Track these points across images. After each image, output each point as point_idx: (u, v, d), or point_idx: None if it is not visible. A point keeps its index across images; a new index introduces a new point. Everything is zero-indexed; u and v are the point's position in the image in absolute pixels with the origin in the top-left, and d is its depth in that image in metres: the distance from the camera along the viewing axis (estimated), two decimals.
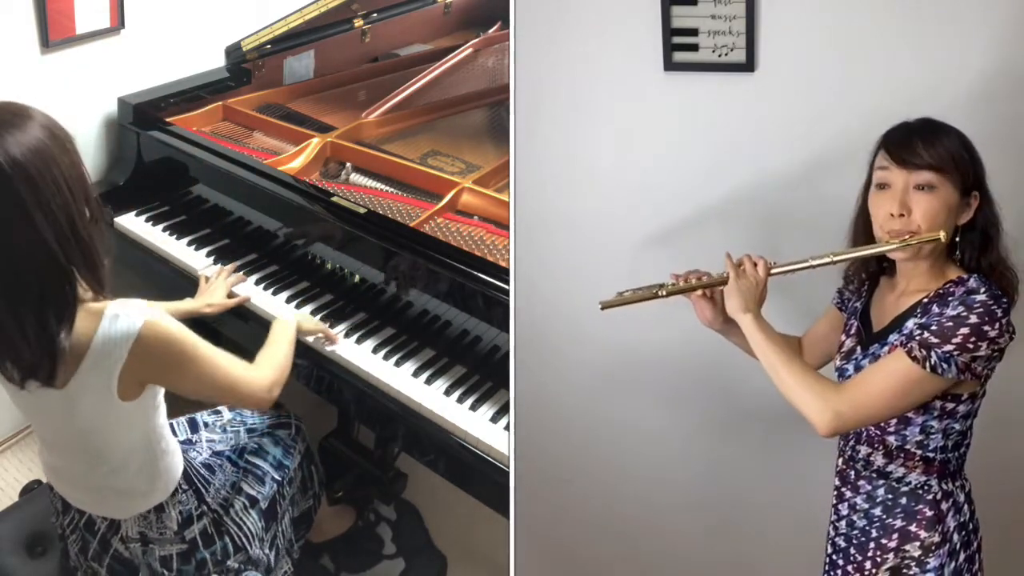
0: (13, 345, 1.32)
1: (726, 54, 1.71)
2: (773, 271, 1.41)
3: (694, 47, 1.72)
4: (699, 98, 1.75)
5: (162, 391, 1.51)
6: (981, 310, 1.25)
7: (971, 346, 1.24)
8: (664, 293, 1.45)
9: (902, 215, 1.30)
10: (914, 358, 1.26)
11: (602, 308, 1.47)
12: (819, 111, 1.69)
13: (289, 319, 1.77)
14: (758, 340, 1.37)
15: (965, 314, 1.25)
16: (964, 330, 1.24)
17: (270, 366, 1.60)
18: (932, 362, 1.25)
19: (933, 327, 1.26)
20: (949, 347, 1.25)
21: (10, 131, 1.27)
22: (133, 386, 1.41)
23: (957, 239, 1.33)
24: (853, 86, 1.66)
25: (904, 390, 1.28)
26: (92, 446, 1.48)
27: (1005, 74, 1.61)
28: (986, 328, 1.24)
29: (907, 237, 1.30)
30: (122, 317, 1.36)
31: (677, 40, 1.72)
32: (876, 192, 1.34)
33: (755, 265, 1.42)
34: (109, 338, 1.35)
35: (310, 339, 1.82)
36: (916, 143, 1.30)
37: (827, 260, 1.37)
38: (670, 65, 1.74)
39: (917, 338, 1.27)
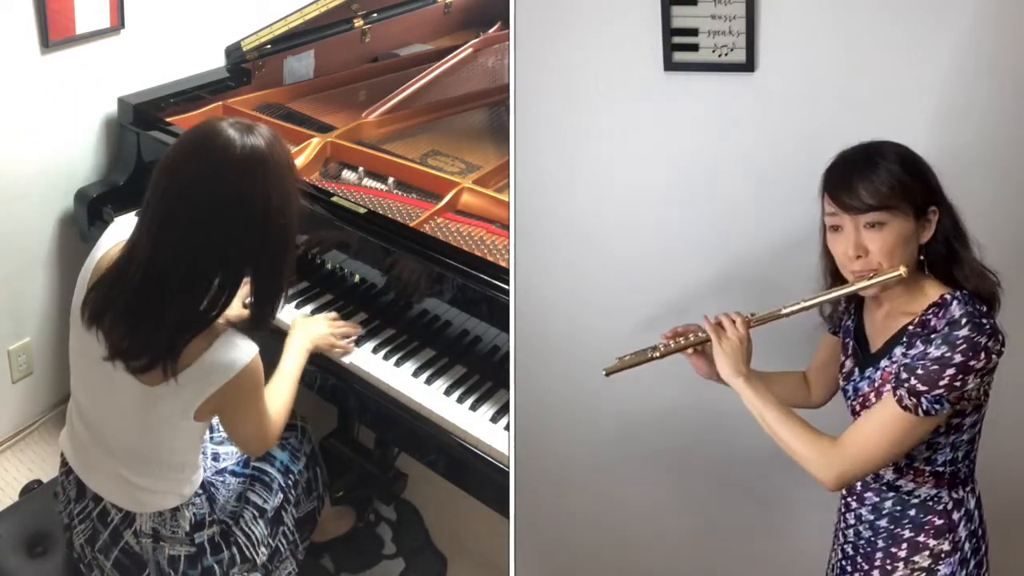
0: (140, 327, 1.37)
1: (726, 54, 1.71)
2: (753, 324, 1.42)
3: (694, 47, 1.72)
4: (699, 98, 1.75)
5: None
6: (964, 346, 1.22)
7: (959, 383, 1.23)
8: (658, 355, 1.49)
9: (859, 256, 1.29)
10: (905, 407, 1.25)
11: (606, 374, 1.52)
12: (819, 111, 1.69)
13: (301, 349, 1.71)
14: (754, 404, 1.37)
15: (949, 354, 1.22)
16: (950, 371, 1.22)
17: (278, 414, 1.59)
18: (924, 407, 1.24)
19: (919, 371, 1.24)
20: (938, 391, 1.23)
21: (256, 133, 1.38)
22: (208, 412, 1.46)
23: (923, 257, 1.32)
24: (853, 86, 1.66)
25: (901, 438, 1.27)
26: (142, 445, 1.51)
27: (1006, 74, 1.61)
28: (972, 363, 1.22)
29: (871, 276, 1.29)
30: (234, 349, 1.41)
31: (677, 40, 1.72)
32: (830, 233, 1.34)
33: (733, 323, 1.41)
34: (215, 364, 1.39)
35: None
36: (856, 184, 1.27)
37: (799, 307, 1.39)
38: (670, 65, 1.74)
39: (905, 386, 1.25)
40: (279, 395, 1.61)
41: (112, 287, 1.40)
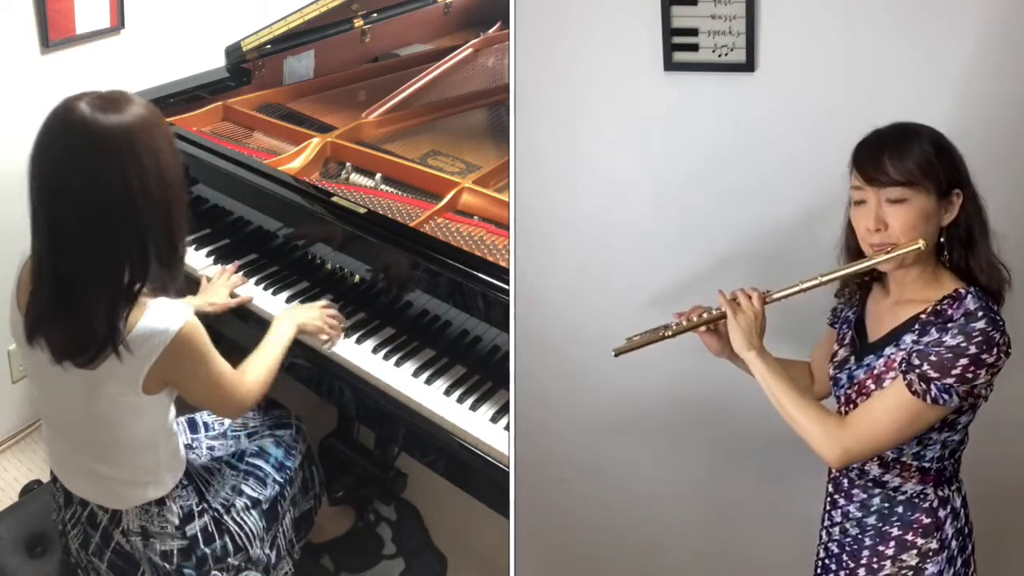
0: (76, 325, 1.36)
1: (726, 54, 1.71)
2: (768, 300, 1.42)
3: (694, 47, 1.72)
4: (699, 98, 1.75)
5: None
6: (980, 339, 1.23)
7: (971, 375, 1.24)
8: (670, 333, 1.47)
9: (878, 229, 1.30)
10: (915, 392, 1.26)
11: (615, 355, 1.49)
12: (819, 111, 1.69)
13: (291, 323, 1.74)
14: (764, 377, 1.39)
15: (964, 344, 1.24)
16: (963, 361, 1.23)
17: (256, 380, 1.61)
18: (933, 395, 1.25)
19: (932, 358, 1.25)
20: (949, 380, 1.24)
21: (120, 106, 1.33)
22: (156, 382, 1.45)
23: (943, 239, 1.33)
24: (853, 86, 1.66)
25: (907, 422, 1.28)
26: (104, 434, 1.50)
27: (1005, 73, 1.61)
28: (984, 356, 1.23)
29: (889, 250, 1.30)
30: (165, 315, 1.41)
31: (677, 40, 1.72)
32: (854, 208, 1.35)
33: (749, 298, 1.42)
34: (149, 332, 1.39)
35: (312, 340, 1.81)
36: (883, 159, 1.29)
37: (816, 282, 1.39)
38: (670, 65, 1.74)
39: (916, 371, 1.26)
40: (258, 362, 1.62)
41: (36, 298, 1.40)
